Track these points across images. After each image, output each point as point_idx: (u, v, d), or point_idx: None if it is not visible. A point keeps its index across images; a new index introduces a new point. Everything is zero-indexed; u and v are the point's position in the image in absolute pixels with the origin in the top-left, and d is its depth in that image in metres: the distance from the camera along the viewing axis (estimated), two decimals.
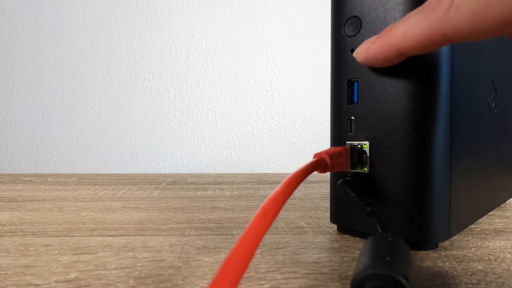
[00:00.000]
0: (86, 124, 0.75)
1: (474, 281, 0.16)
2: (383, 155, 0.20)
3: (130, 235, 0.23)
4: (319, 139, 0.79)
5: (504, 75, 0.28)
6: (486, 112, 0.25)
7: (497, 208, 0.32)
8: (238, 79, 0.77)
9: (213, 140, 0.77)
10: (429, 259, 0.19)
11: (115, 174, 0.63)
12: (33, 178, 0.54)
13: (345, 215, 0.22)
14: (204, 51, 0.77)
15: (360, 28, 0.21)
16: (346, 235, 0.23)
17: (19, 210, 0.31)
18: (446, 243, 0.22)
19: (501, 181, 0.30)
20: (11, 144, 0.75)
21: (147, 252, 0.20)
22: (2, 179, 0.53)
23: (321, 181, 0.50)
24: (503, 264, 0.18)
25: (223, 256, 0.19)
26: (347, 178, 0.21)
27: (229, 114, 0.78)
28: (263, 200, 0.36)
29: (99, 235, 0.23)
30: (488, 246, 0.21)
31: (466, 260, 0.19)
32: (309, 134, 0.79)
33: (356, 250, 0.20)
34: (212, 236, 0.23)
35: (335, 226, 0.25)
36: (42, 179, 0.53)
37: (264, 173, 0.65)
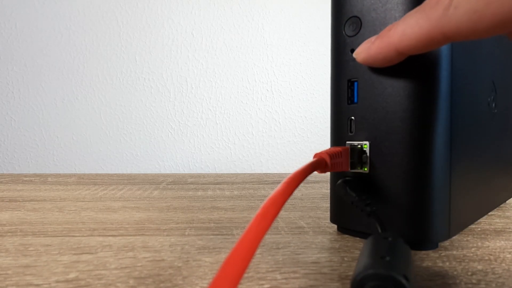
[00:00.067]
0: (86, 124, 0.75)
1: (474, 281, 0.16)
2: (383, 155, 0.20)
3: (130, 235, 0.23)
4: (319, 139, 0.79)
5: (504, 75, 0.28)
6: (486, 112, 0.25)
7: (497, 208, 0.32)
8: (238, 79, 0.77)
9: (213, 140, 0.77)
10: (429, 259, 0.19)
11: (115, 174, 0.63)
12: (33, 178, 0.54)
13: (345, 215, 0.22)
14: (204, 51, 0.77)
15: (360, 28, 0.21)
16: (346, 235, 0.23)
17: (19, 210, 0.31)
18: (446, 243, 0.22)
19: (501, 181, 0.30)
20: (11, 144, 0.75)
21: (147, 252, 0.20)
22: (2, 179, 0.53)
23: (321, 181, 0.50)
24: (503, 264, 0.18)
25: (223, 256, 0.19)
26: (347, 178, 0.21)
27: (229, 114, 0.78)
28: (263, 200, 0.36)
29: (99, 235, 0.23)
30: (488, 246, 0.21)
31: (466, 260, 0.19)
32: (309, 134, 0.79)
33: (356, 250, 0.20)
34: (212, 236, 0.23)
35: (335, 226, 0.25)
36: (42, 179, 0.53)
37: (264, 173, 0.65)
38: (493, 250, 0.20)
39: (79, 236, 0.23)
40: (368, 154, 0.21)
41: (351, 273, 0.17)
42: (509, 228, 0.25)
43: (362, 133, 0.21)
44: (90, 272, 0.17)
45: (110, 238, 0.23)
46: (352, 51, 0.21)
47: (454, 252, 0.20)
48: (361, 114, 0.21)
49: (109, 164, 0.76)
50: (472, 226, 0.26)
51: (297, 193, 0.40)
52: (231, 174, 0.63)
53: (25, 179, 0.53)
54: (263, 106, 0.78)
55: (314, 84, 0.79)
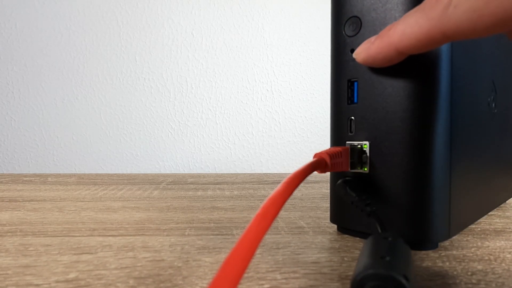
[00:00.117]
0: (86, 124, 0.75)
1: (474, 281, 0.16)
2: (383, 155, 0.20)
3: (130, 235, 0.23)
4: (319, 139, 0.79)
5: (504, 75, 0.28)
6: (486, 112, 0.25)
7: (497, 208, 0.32)
8: (238, 79, 0.77)
9: (213, 140, 0.77)
10: (429, 259, 0.19)
11: (115, 174, 0.63)
12: (33, 178, 0.54)
13: (345, 215, 0.22)
14: (204, 51, 0.77)
15: (360, 28, 0.21)
16: (346, 235, 0.23)
17: (19, 210, 0.31)
18: (446, 243, 0.22)
19: (501, 181, 0.30)
20: (11, 144, 0.75)
21: (147, 252, 0.20)
22: (2, 179, 0.53)
23: (321, 181, 0.50)
24: (503, 264, 0.18)
25: (223, 256, 0.19)
26: (347, 178, 0.21)
27: (229, 114, 0.78)
28: (263, 200, 0.36)
29: (99, 235, 0.23)
30: (488, 246, 0.21)
31: (466, 260, 0.19)
32: (309, 134, 0.79)
33: (356, 250, 0.20)
34: (212, 236, 0.23)
35: (335, 226, 0.25)
36: (42, 179, 0.53)
37: (264, 173, 0.65)
38: (493, 250, 0.20)
39: (79, 236, 0.23)
40: (368, 154, 0.21)
41: (351, 273, 0.17)
42: (509, 228, 0.25)
43: (362, 133, 0.21)
44: (90, 272, 0.17)
45: (110, 238, 0.23)
46: (352, 51, 0.21)
47: (454, 252, 0.20)
48: (361, 114, 0.21)
49: (109, 164, 0.76)
50: (472, 226, 0.26)
51: (297, 193, 0.40)
52: (231, 174, 0.63)
53: (25, 179, 0.53)
54: (263, 106, 0.78)
55: (314, 84, 0.79)
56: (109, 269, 0.17)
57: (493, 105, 0.27)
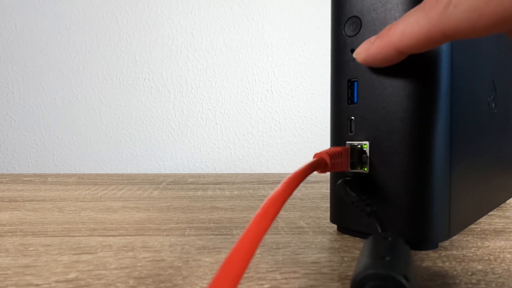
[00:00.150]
0: (86, 124, 0.75)
1: (474, 281, 0.16)
2: (383, 155, 0.20)
3: (130, 235, 0.23)
4: (319, 139, 0.79)
5: (504, 75, 0.28)
6: (486, 112, 0.25)
7: (497, 208, 0.32)
8: (238, 79, 0.77)
9: (213, 140, 0.77)
10: (429, 259, 0.19)
11: (115, 174, 0.63)
12: (33, 178, 0.54)
13: (345, 215, 0.22)
14: (204, 51, 0.77)
15: (360, 28, 0.21)
16: (346, 235, 0.23)
17: (19, 210, 0.31)
18: (446, 243, 0.22)
19: (501, 181, 0.30)
20: (11, 144, 0.75)
21: (147, 252, 0.20)
22: (2, 179, 0.53)
23: (321, 181, 0.50)
24: (503, 264, 0.18)
25: (223, 256, 0.19)
26: (347, 178, 0.21)
27: (229, 114, 0.78)
28: (263, 200, 0.36)
29: (99, 235, 0.23)
30: (488, 246, 0.21)
31: (466, 260, 0.19)
32: (309, 134, 0.79)
33: (356, 250, 0.20)
34: (212, 236, 0.23)
35: (335, 226, 0.25)
36: (42, 179, 0.53)
37: (264, 173, 0.65)
38: (493, 250, 0.20)
39: (79, 236, 0.23)
40: (368, 154, 0.21)
41: (351, 273, 0.17)
42: (509, 228, 0.25)
43: (362, 133, 0.21)
44: (90, 272, 0.17)
45: (110, 238, 0.23)
46: (352, 51, 0.21)
47: (454, 252, 0.20)
48: (361, 114, 0.21)
49: (109, 164, 0.76)
50: (472, 226, 0.26)
51: (297, 193, 0.40)
52: (231, 174, 0.63)
53: (25, 179, 0.53)
54: (263, 106, 0.78)
55: (314, 84, 0.79)
56: (109, 269, 0.17)
57: (493, 105, 0.27)
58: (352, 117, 0.21)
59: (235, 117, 0.78)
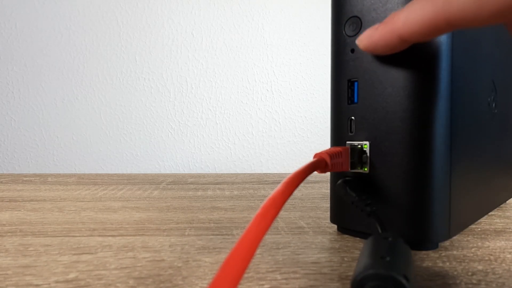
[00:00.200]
0: (86, 124, 0.75)
1: (474, 281, 0.16)
2: (383, 155, 0.20)
3: (130, 235, 0.23)
4: (319, 139, 0.79)
5: (504, 75, 0.28)
6: (486, 112, 0.25)
7: (497, 208, 0.32)
8: (238, 79, 0.77)
9: (213, 140, 0.77)
10: (429, 259, 0.19)
11: (115, 174, 0.63)
12: (33, 178, 0.54)
13: (345, 215, 0.22)
14: (204, 51, 0.77)
15: (360, 28, 0.21)
16: (346, 235, 0.23)
17: (19, 210, 0.31)
18: (446, 243, 0.22)
19: (501, 181, 0.30)
20: (11, 144, 0.75)
21: (147, 252, 0.20)
22: (2, 179, 0.53)
23: (321, 181, 0.50)
24: (504, 264, 0.18)
25: (223, 256, 0.19)
26: (347, 178, 0.21)
27: (229, 114, 0.78)
28: (263, 200, 0.36)
29: (99, 235, 0.23)
30: (488, 246, 0.21)
31: (467, 260, 0.19)
32: (309, 134, 0.79)
33: (356, 250, 0.20)
34: (212, 236, 0.23)
35: (335, 226, 0.25)
36: (42, 179, 0.53)
37: (264, 173, 0.65)
38: (493, 250, 0.20)
39: (79, 236, 0.23)
40: (368, 154, 0.21)
41: (351, 273, 0.17)
42: (509, 228, 0.25)
43: (362, 133, 0.21)
44: (90, 272, 0.17)
45: (110, 238, 0.22)
46: (352, 51, 0.21)
47: (454, 252, 0.20)
48: (361, 114, 0.21)
49: (109, 164, 0.76)
50: (472, 226, 0.26)
51: (297, 193, 0.40)
52: (231, 174, 0.63)
53: (25, 179, 0.53)
54: (263, 106, 0.78)
55: (314, 84, 0.79)
56: (109, 269, 0.17)
57: (493, 105, 0.27)
58: (352, 117, 0.21)
59: (235, 117, 0.78)
